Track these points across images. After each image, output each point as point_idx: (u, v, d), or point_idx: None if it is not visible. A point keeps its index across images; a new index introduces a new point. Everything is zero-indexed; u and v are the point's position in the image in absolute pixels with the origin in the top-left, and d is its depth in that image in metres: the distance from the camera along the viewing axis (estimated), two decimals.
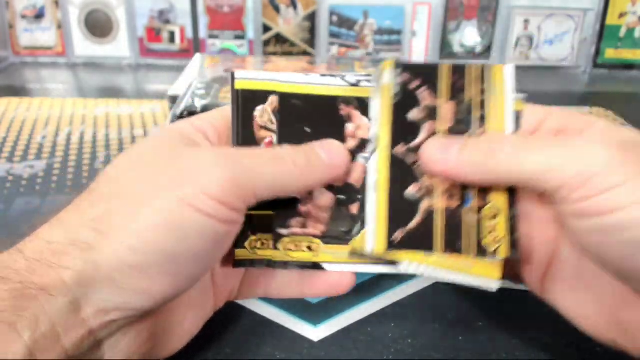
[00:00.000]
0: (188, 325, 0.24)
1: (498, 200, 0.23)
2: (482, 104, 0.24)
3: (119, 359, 0.21)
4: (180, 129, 0.24)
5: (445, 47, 0.84)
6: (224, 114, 0.25)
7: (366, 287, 0.32)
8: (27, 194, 0.44)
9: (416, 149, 0.24)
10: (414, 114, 0.24)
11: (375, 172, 0.24)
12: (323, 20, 0.83)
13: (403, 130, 0.24)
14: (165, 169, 0.21)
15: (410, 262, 0.23)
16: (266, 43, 0.83)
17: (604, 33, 0.82)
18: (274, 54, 0.84)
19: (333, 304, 0.31)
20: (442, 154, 0.23)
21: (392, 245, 0.23)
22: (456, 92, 0.24)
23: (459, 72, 0.25)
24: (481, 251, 0.23)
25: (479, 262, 0.23)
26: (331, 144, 0.24)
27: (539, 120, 0.23)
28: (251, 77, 0.25)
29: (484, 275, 0.23)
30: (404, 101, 0.24)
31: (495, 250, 0.23)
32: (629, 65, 0.84)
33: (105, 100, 0.67)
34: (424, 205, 0.24)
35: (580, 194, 0.19)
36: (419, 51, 0.84)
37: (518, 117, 0.24)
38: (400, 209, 0.24)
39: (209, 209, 0.20)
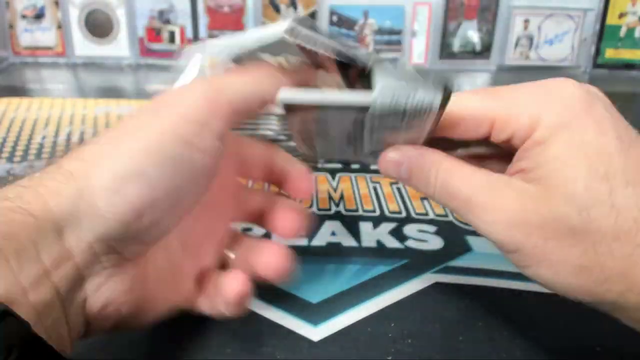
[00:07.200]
0: (162, 300, 0.25)
1: None
2: None
3: (99, 302, 0.21)
4: None
5: (445, 47, 0.84)
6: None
7: (366, 287, 0.32)
8: None
9: None
10: None
11: None
12: (323, 20, 0.83)
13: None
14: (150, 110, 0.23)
15: None
16: None
17: (604, 33, 0.82)
18: None
19: (333, 304, 0.31)
20: None
21: None
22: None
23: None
24: None
25: None
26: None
27: (536, 120, 0.23)
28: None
29: None
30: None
31: None
32: (629, 65, 0.84)
33: (105, 100, 0.67)
34: None
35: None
36: (419, 51, 0.84)
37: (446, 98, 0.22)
38: None
39: (189, 135, 0.21)
